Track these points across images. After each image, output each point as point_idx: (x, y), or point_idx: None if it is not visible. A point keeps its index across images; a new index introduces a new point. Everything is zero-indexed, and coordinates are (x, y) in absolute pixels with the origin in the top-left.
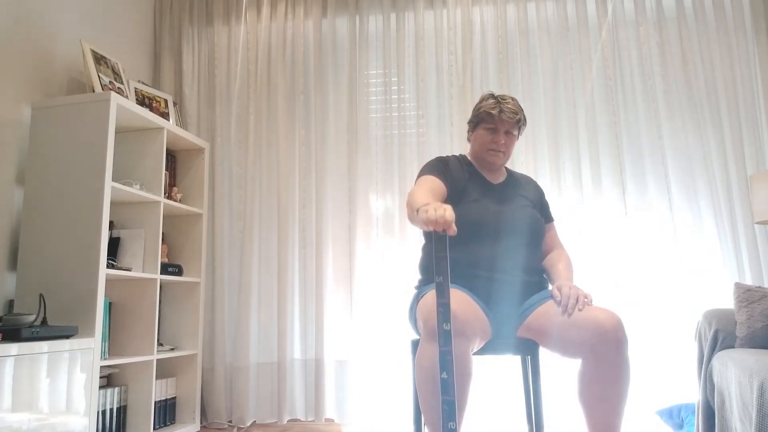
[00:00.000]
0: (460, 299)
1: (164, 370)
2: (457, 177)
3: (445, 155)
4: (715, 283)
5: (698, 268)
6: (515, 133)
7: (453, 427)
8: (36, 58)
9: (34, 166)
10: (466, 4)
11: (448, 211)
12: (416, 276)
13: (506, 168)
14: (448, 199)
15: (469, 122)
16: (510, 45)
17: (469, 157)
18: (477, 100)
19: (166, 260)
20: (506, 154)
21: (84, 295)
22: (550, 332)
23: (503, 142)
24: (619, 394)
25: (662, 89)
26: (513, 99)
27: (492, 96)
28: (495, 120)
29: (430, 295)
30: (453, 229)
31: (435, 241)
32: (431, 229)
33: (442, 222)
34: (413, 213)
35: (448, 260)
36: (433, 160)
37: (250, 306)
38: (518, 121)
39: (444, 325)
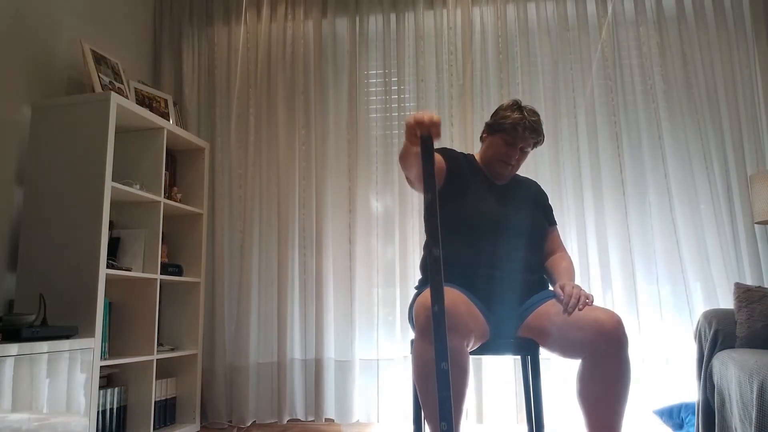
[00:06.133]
0: (453, 296)
1: (164, 370)
2: (462, 169)
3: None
4: (715, 283)
5: (698, 268)
6: (528, 150)
7: (446, 428)
8: (36, 58)
9: (34, 166)
10: (466, 4)
11: (435, 115)
12: (416, 276)
13: None
14: (449, 191)
15: (488, 125)
16: (510, 45)
17: (476, 157)
18: (477, 100)
19: (166, 260)
20: (515, 168)
21: (84, 295)
22: (550, 332)
23: (517, 157)
24: (619, 394)
25: (662, 89)
26: (538, 115)
27: (520, 109)
28: (517, 136)
29: (425, 294)
30: (438, 132)
31: (421, 149)
32: (417, 133)
33: (428, 121)
34: (404, 150)
35: (437, 209)
36: (439, 147)
37: (250, 306)
38: (537, 143)
39: (434, 307)
